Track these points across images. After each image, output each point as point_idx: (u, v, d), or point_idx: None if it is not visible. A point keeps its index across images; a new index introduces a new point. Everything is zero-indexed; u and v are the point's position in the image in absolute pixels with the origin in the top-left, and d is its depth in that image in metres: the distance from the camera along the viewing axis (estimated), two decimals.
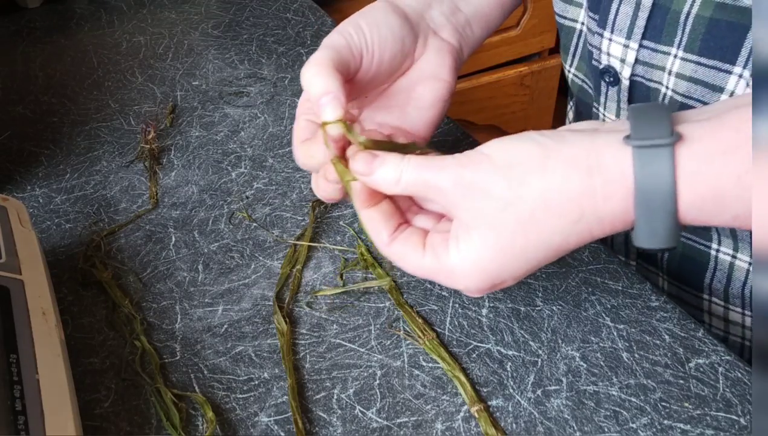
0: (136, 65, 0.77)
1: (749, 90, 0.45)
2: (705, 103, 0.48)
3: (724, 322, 0.56)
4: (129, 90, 0.73)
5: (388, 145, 0.40)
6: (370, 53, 0.45)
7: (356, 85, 0.45)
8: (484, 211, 0.36)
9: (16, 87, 0.74)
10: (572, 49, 0.61)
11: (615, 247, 0.63)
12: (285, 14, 0.85)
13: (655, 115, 0.35)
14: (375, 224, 0.40)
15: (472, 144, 0.63)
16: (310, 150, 0.43)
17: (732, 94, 0.47)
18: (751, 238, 0.51)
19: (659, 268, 0.59)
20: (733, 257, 0.52)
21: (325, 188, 0.44)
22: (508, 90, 1.20)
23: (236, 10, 0.86)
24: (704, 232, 0.54)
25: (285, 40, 0.80)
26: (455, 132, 0.64)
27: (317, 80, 0.40)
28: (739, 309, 0.54)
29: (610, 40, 0.52)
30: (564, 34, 0.61)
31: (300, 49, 0.78)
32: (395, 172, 0.38)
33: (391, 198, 0.41)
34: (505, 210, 0.36)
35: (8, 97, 0.73)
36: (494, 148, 0.37)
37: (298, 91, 0.70)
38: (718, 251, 0.53)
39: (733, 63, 0.46)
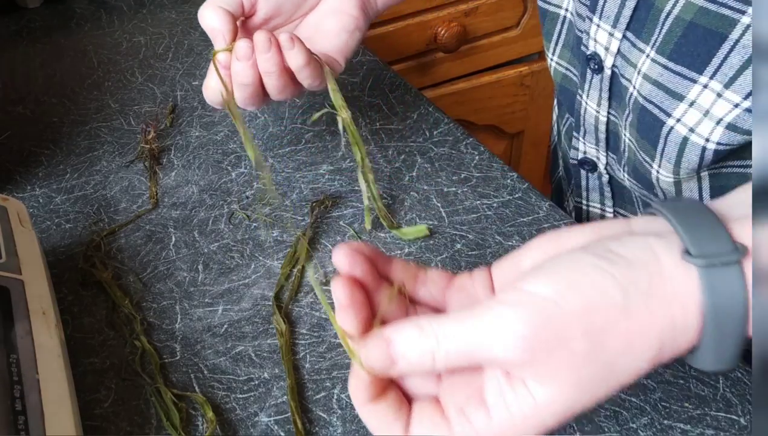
0: (136, 65, 0.77)
1: (724, 106, 0.44)
2: (662, 110, 0.47)
3: None
4: (129, 90, 0.73)
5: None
6: None
7: (259, 17, 0.53)
8: (556, 367, 0.29)
9: (16, 87, 0.74)
10: (555, 36, 0.60)
11: None
12: None
13: (705, 220, 0.31)
14: (387, 420, 0.32)
15: (472, 144, 0.63)
16: (208, 81, 0.53)
17: (692, 104, 0.46)
18: None
19: None
20: None
21: (215, 82, 0.51)
22: (508, 90, 1.19)
23: None
24: None
25: None
26: (455, 132, 0.64)
27: (208, 17, 0.50)
28: None
29: (598, 26, 0.52)
30: (548, 20, 0.61)
31: None
32: (426, 356, 0.30)
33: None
34: (584, 366, 0.30)
35: (8, 97, 0.73)
36: (557, 289, 0.30)
37: None
38: None
39: (701, 72, 0.45)
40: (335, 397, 0.44)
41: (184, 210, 0.58)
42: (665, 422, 0.42)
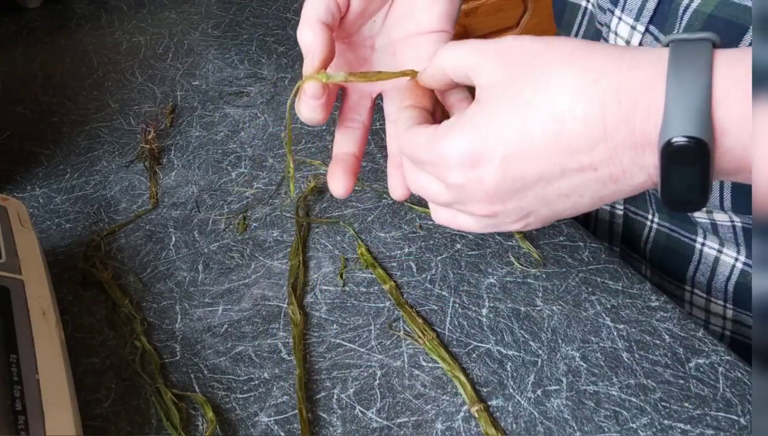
0: (136, 65, 0.77)
1: None
2: None
3: (705, 312, 0.56)
4: (129, 90, 0.73)
5: (374, 75, 0.42)
6: None
7: (351, 16, 0.45)
8: (507, 61, 0.35)
9: (16, 87, 0.74)
10: (575, 28, 0.59)
11: (598, 233, 0.62)
12: (285, 14, 0.85)
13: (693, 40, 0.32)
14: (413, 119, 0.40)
15: None
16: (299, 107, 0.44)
17: None
18: (736, 238, 0.51)
19: (642, 256, 0.59)
20: (719, 251, 0.52)
21: (306, 109, 0.42)
22: None
23: (236, 10, 0.86)
24: (690, 225, 0.54)
25: (285, 40, 0.80)
26: None
27: (305, 36, 0.42)
28: (721, 302, 0.54)
29: (620, 19, 0.51)
30: (568, 11, 0.60)
31: (300, 49, 0.78)
32: (438, 67, 0.39)
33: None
34: (530, 61, 0.34)
35: (8, 97, 0.73)
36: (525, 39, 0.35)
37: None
38: (703, 244, 0.53)
39: None
40: (335, 397, 0.45)
41: (184, 210, 0.58)
42: (665, 422, 0.42)
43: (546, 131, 0.33)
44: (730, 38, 0.44)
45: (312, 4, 0.42)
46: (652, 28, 0.49)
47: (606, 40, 0.53)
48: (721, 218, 0.51)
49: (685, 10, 0.46)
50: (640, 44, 0.50)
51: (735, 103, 0.30)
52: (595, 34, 0.56)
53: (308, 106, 0.42)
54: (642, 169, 0.33)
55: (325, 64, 0.42)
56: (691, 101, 0.30)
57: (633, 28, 0.50)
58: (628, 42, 0.51)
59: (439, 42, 0.45)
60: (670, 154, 0.31)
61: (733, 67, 0.30)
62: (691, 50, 0.31)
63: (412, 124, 0.40)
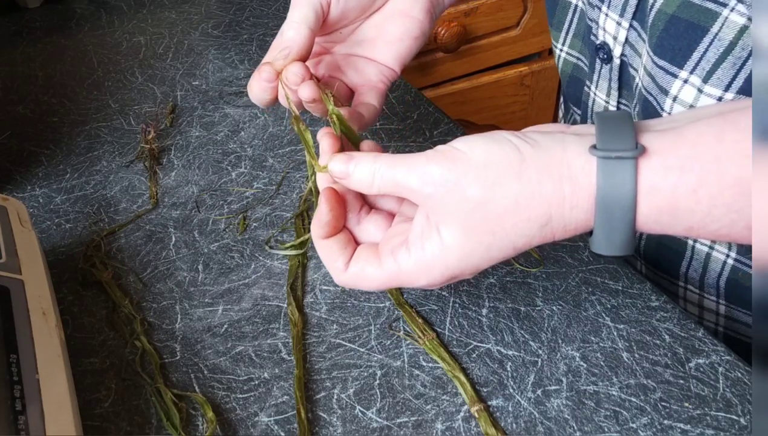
0: (136, 65, 0.77)
1: (706, 100, 0.45)
2: (658, 103, 0.48)
3: (698, 308, 0.56)
4: (129, 90, 0.73)
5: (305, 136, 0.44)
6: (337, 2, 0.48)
7: (327, 24, 0.49)
8: (454, 208, 0.36)
9: (16, 87, 0.74)
10: (566, 25, 0.60)
11: None
12: (285, 14, 0.85)
13: (620, 125, 0.35)
14: (332, 253, 0.41)
15: None
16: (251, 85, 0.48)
17: (675, 99, 0.46)
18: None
19: (637, 251, 0.59)
20: (711, 248, 0.52)
21: (258, 89, 0.47)
22: (508, 90, 1.20)
23: (236, 10, 0.86)
24: None
25: None
26: (455, 132, 0.64)
27: (290, 35, 0.46)
28: (713, 298, 0.54)
29: (606, 15, 0.52)
30: (559, 9, 0.61)
31: None
32: (369, 175, 0.38)
33: (346, 218, 0.42)
34: (475, 210, 0.36)
35: (8, 97, 0.73)
36: (471, 146, 0.37)
37: None
38: (695, 241, 0.53)
39: (681, 67, 0.45)
40: (335, 397, 0.44)
41: (184, 210, 0.58)
42: (665, 422, 0.42)
43: (507, 253, 0.38)
44: (690, 40, 0.44)
45: (301, 8, 0.46)
46: (635, 23, 0.50)
47: (596, 37, 0.54)
48: None
49: (650, 9, 0.47)
50: (626, 40, 0.51)
51: (656, 210, 0.35)
52: (586, 30, 0.57)
53: (260, 87, 0.47)
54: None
55: (299, 60, 0.46)
56: (617, 233, 0.36)
57: (618, 24, 0.51)
58: (615, 38, 0.51)
59: (382, 79, 0.50)
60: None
61: (656, 172, 0.34)
62: (617, 173, 0.35)
63: (361, 265, 0.40)
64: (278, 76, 0.46)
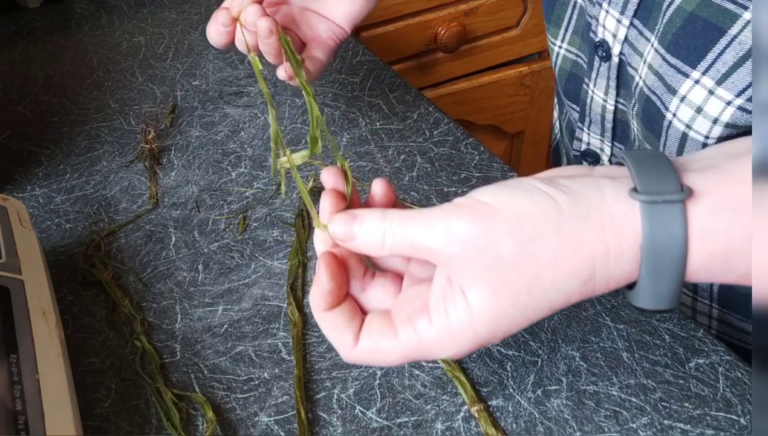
0: (136, 65, 0.77)
1: (716, 103, 0.44)
2: (663, 103, 0.48)
3: (692, 311, 0.56)
4: (129, 90, 0.73)
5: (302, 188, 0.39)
6: None
7: None
8: (484, 269, 0.32)
9: (16, 87, 0.74)
10: (566, 22, 0.60)
11: None
12: None
13: (659, 166, 0.32)
14: (337, 327, 0.36)
15: (472, 144, 0.63)
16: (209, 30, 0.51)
17: (683, 99, 0.45)
18: None
19: None
20: None
21: (215, 32, 0.50)
22: (508, 90, 1.19)
23: None
24: None
25: None
26: (455, 132, 0.64)
27: None
28: (707, 301, 0.54)
29: (607, 12, 0.51)
30: (559, 4, 0.60)
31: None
32: (379, 235, 0.34)
33: (349, 286, 0.37)
34: (510, 269, 0.32)
35: (8, 97, 0.73)
36: (497, 197, 0.33)
37: (297, 91, 0.70)
38: None
39: (694, 66, 0.44)
40: (335, 397, 0.45)
41: (184, 210, 0.58)
42: (665, 422, 0.42)
43: (543, 313, 0.34)
44: (707, 39, 0.44)
45: None
46: (636, 22, 0.50)
47: (595, 34, 0.54)
48: None
49: (668, 6, 0.46)
50: (626, 38, 0.51)
51: (709, 256, 0.32)
52: (585, 27, 0.56)
53: (216, 30, 0.50)
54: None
55: (255, 2, 0.48)
56: (665, 285, 0.32)
57: (618, 21, 0.51)
58: (614, 35, 0.51)
59: (331, 36, 0.54)
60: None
61: (707, 215, 0.31)
62: (665, 218, 0.31)
63: (374, 338, 0.35)
64: (234, 22, 0.49)
